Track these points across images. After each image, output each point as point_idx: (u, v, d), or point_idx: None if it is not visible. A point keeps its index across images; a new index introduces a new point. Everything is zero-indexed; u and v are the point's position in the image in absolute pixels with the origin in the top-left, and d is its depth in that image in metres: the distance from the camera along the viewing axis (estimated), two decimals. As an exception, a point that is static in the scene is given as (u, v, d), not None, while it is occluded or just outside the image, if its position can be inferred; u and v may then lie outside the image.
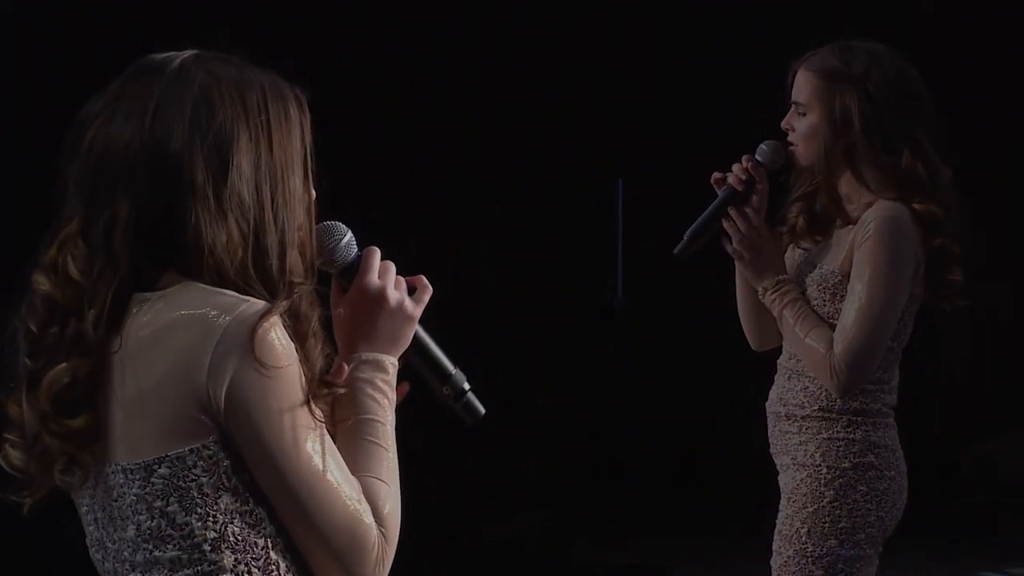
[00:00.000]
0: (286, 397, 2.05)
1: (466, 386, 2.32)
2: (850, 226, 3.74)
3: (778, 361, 3.89)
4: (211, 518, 2.06)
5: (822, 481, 3.74)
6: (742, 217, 3.81)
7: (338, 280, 2.26)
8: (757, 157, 3.82)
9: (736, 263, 3.88)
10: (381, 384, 2.20)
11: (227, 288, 2.07)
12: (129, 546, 2.10)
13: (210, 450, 2.05)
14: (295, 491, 2.06)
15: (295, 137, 2.15)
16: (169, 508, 2.07)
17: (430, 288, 2.28)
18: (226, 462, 2.06)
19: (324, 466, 2.07)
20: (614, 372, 8.57)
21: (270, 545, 2.09)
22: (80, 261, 2.09)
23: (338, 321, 2.23)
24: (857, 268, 3.67)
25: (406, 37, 7.32)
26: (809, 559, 3.72)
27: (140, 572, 2.10)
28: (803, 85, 3.78)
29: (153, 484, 2.06)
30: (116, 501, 2.10)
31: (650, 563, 7.72)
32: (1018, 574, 7.41)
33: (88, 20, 5.90)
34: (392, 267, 2.26)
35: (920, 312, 3.80)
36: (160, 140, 2.08)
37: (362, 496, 2.11)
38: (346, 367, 2.19)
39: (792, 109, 3.81)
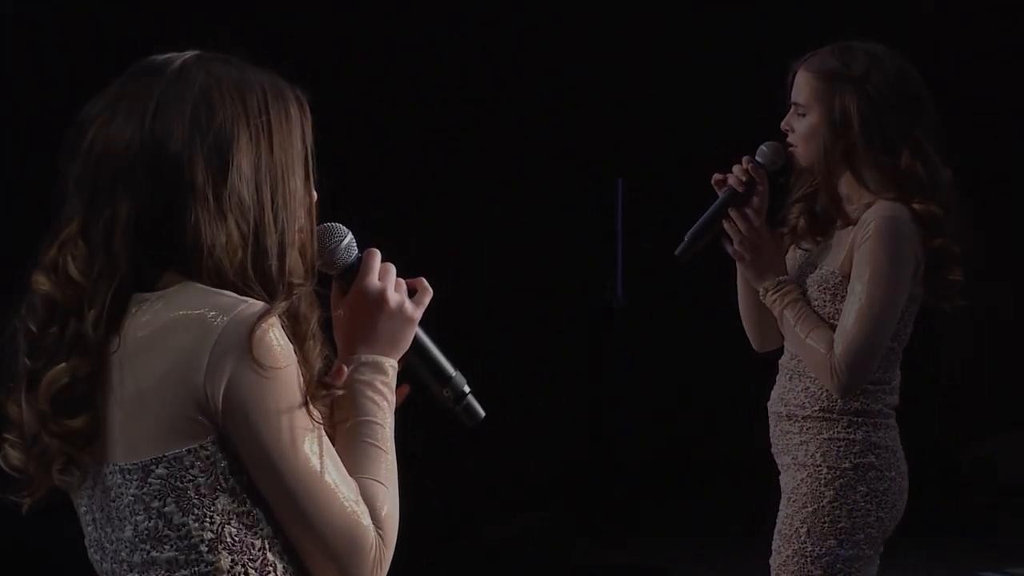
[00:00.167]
0: (284, 398, 2.05)
1: (466, 389, 2.32)
2: (850, 227, 3.74)
3: (779, 361, 3.89)
4: (208, 519, 2.06)
5: (822, 481, 3.74)
6: (742, 218, 3.81)
7: (338, 282, 2.26)
8: (757, 158, 3.82)
9: (737, 264, 3.88)
10: (380, 386, 2.20)
11: (226, 289, 2.07)
12: (127, 546, 2.10)
13: (207, 451, 2.05)
14: (293, 492, 2.06)
15: (296, 138, 2.15)
16: (166, 509, 2.07)
17: (430, 290, 2.28)
18: (223, 463, 2.06)
19: (322, 467, 2.07)
20: (614, 372, 8.57)
21: (267, 546, 2.09)
22: (80, 261, 2.09)
23: (338, 323, 2.23)
24: (857, 268, 3.67)
25: (406, 37, 7.32)
26: (808, 559, 3.72)
27: (138, 572, 2.10)
28: (803, 86, 3.78)
29: (150, 484, 2.06)
30: (114, 501, 2.10)
31: (650, 563, 7.72)
32: (1018, 574, 7.41)
33: (88, 20, 5.90)
34: (392, 269, 2.25)
35: (920, 312, 3.80)
36: (160, 140, 2.08)
37: (360, 498, 2.10)
38: (345, 369, 2.19)
39: (792, 110, 3.81)
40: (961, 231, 3.74)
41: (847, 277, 3.70)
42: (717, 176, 3.84)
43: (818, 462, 3.75)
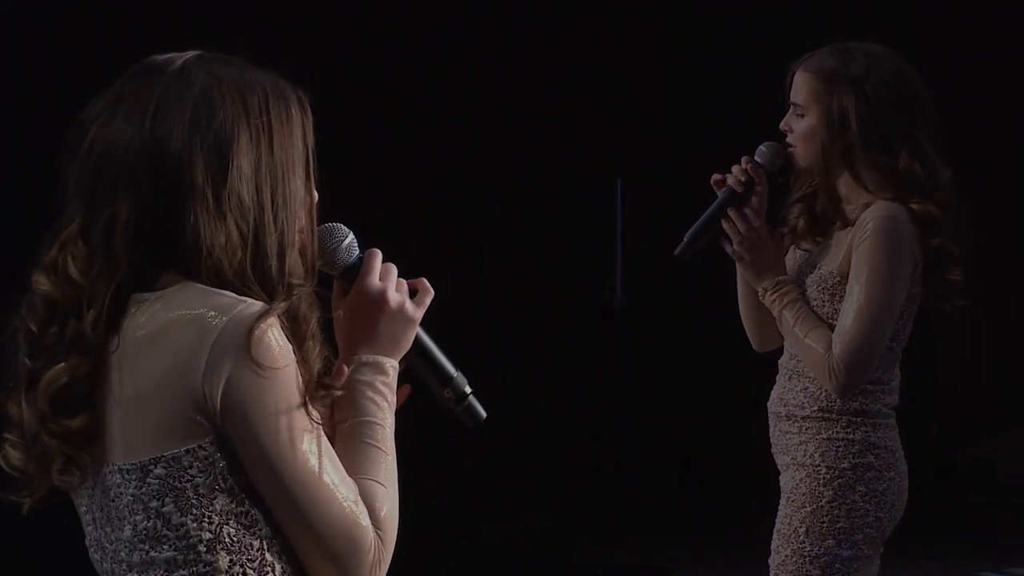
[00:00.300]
0: (283, 398, 2.05)
1: (467, 389, 2.31)
2: (849, 227, 3.74)
3: (779, 361, 3.89)
4: (206, 519, 2.06)
5: (821, 481, 3.74)
6: (741, 218, 3.81)
7: (339, 282, 2.26)
8: (756, 158, 3.82)
9: (736, 264, 3.89)
10: (381, 387, 2.20)
11: (225, 289, 2.07)
12: (126, 546, 2.10)
13: (206, 451, 2.05)
14: (291, 492, 2.06)
15: (296, 138, 2.15)
16: (165, 509, 2.06)
17: (431, 291, 2.27)
18: (222, 463, 2.06)
19: (320, 467, 2.07)
20: (614, 372, 8.57)
21: (265, 547, 2.09)
22: (80, 261, 2.09)
23: (339, 323, 2.23)
24: (855, 268, 3.67)
25: (406, 37, 7.32)
26: (807, 558, 3.72)
27: (137, 572, 2.10)
28: (801, 86, 3.78)
29: (149, 484, 2.06)
30: (113, 501, 2.10)
31: (650, 563, 7.72)
32: (1018, 574, 7.41)
33: (88, 20, 5.89)
34: (393, 269, 2.25)
35: (919, 312, 3.80)
36: (160, 140, 2.08)
37: (359, 498, 2.10)
38: (345, 369, 2.19)
39: (790, 110, 3.81)
40: (961, 231, 3.74)
41: (845, 277, 3.70)
42: (716, 176, 3.84)
43: (817, 462, 3.75)
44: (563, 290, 8.31)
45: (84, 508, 2.16)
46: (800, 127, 3.78)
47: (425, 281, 2.28)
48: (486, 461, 7.56)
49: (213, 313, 2.04)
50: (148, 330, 2.06)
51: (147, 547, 2.08)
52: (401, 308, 2.23)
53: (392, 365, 2.22)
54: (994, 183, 7.76)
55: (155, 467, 2.06)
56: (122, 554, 2.11)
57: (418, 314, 2.25)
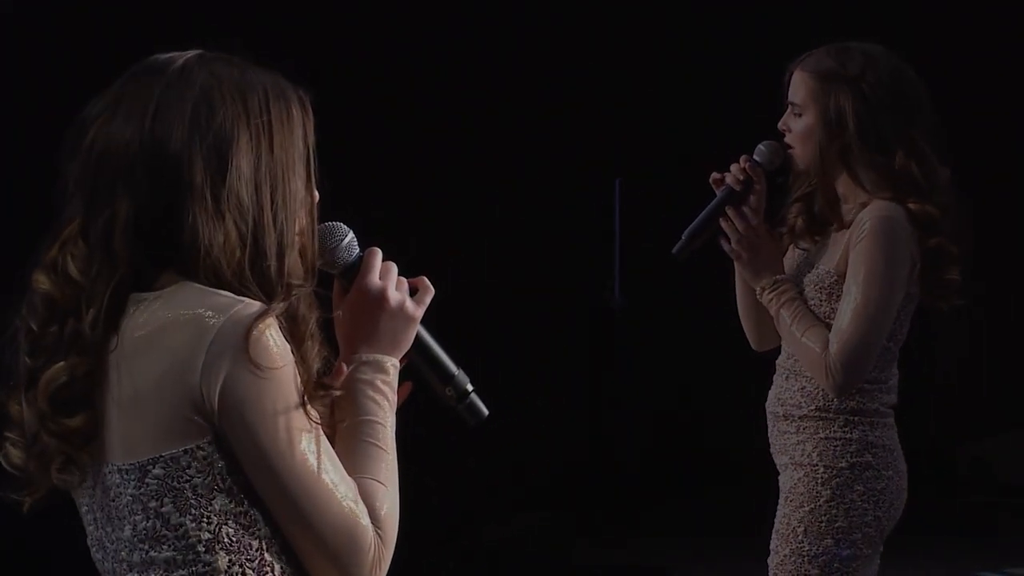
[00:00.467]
0: (281, 398, 2.04)
1: (469, 387, 2.31)
2: (847, 227, 3.75)
3: (777, 361, 3.89)
4: (205, 519, 2.06)
5: (819, 480, 3.74)
6: (740, 217, 3.81)
7: (339, 281, 2.26)
8: (755, 157, 3.83)
9: (735, 263, 3.89)
10: (381, 385, 2.19)
11: (224, 289, 2.07)
12: (126, 546, 2.10)
13: (204, 451, 2.05)
14: (290, 492, 2.06)
15: (297, 138, 2.15)
16: (163, 509, 2.06)
17: (432, 289, 2.27)
18: (220, 463, 2.05)
19: (319, 467, 2.06)
20: (614, 372, 8.57)
21: (265, 547, 2.09)
22: (80, 261, 2.09)
23: (339, 322, 2.22)
24: (852, 268, 3.67)
25: (406, 37, 7.32)
26: (805, 558, 3.72)
27: (137, 572, 2.10)
28: (799, 86, 3.78)
29: (148, 484, 2.06)
30: (113, 501, 2.10)
31: (650, 563, 7.72)
32: (1017, 574, 7.42)
33: (88, 20, 5.90)
34: (394, 268, 2.25)
35: (917, 311, 3.80)
36: (160, 140, 2.08)
37: (359, 497, 2.10)
38: (345, 368, 2.19)
39: (788, 110, 3.81)
40: (959, 230, 3.74)
41: (843, 276, 3.70)
42: (715, 175, 3.84)
43: (815, 461, 3.75)
44: (563, 290, 8.31)
45: (85, 508, 2.16)
46: (798, 127, 3.78)
47: (425, 279, 2.28)
48: (487, 460, 7.57)
49: (211, 313, 2.04)
50: (147, 330, 2.06)
51: (147, 547, 2.08)
52: (401, 306, 2.23)
53: (393, 364, 2.22)
54: (994, 183, 7.76)
55: (154, 467, 2.06)
56: (123, 554, 2.11)
57: (418, 312, 2.25)
